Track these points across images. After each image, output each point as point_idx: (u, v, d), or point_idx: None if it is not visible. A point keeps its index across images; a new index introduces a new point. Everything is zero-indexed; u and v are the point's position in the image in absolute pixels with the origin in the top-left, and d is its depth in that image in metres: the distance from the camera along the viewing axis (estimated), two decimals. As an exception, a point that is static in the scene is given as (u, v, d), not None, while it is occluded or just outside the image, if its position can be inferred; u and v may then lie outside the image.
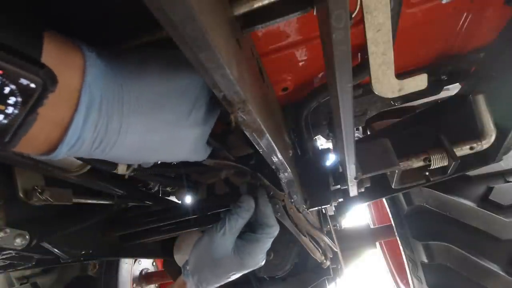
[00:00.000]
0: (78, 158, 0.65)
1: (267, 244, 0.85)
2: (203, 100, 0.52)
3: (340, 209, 1.46)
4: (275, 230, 0.86)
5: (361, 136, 1.84)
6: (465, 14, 0.75)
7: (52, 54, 0.33)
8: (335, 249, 1.01)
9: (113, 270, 1.84)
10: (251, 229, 0.87)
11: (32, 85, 0.30)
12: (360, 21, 0.45)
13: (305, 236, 0.96)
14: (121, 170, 0.73)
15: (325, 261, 1.01)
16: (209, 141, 0.62)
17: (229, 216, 0.83)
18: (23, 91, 0.29)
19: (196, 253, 0.84)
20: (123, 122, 0.40)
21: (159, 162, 0.76)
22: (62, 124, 0.35)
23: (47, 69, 0.31)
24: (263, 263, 0.86)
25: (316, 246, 1.00)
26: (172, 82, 0.46)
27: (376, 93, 0.48)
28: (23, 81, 0.29)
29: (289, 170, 0.63)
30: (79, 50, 0.36)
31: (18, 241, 0.69)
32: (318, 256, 0.99)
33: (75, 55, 0.36)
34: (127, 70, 0.41)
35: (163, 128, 0.46)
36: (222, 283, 0.84)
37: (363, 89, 0.91)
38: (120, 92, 0.39)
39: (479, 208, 1.32)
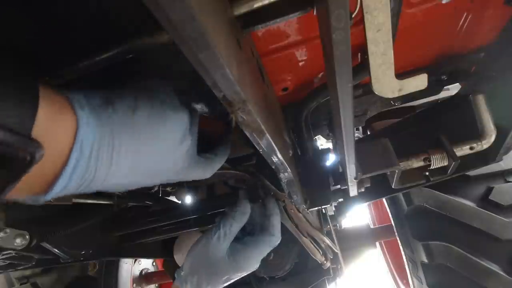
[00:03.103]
0: None
1: (265, 251, 0.84)
2: (190, 135, 0.54)
3: (340, 209, 1.46)
4: (276, 240, 0.85)
5: (361, 136, 1.84)
6: (465, 14, 0.75)
7: (46, 117, 0.34)
8: (335, 250, 1.01)
9: (113, 270, 1.84)
10: (251, 233, 0.87)
11: (21, 156, 0.31)
12: (360, 21, 0.45)
13: (305, 237, 0.96)
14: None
15: (325, 262, 1.01)
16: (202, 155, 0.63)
17: (224, 221, 0.82)
18: (11, 161, 0.31)
19: (191, 257, 0.84)
20: (111, 168, 0.42)
21: None
22: (49, 179, 0.37)
23: (36, 143, 0.32)
24: (257, 266, 0.85)
25: (317, 247, 1.00)
26: (160, 124, 0.48)
27: (376, 93, 0.48)
28: (12, 153, 0.31)
29: (289, 170, 0.63)
30: (71, 109, 0.38)
31: (18, 241, 0.69)
32: (319, 257, 0.99)
33: (67, 115, 0.37)
34: (117, 118, 0.43)
35: (151, 165, 0.49)
36: (219, 287, 0.84)
37: (363, 89, 0.91)
38: (110, 141, 0.41)
39: (479, 208, 1.32)
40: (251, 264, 0.83)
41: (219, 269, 0.80)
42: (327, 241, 1.00)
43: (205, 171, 0.62)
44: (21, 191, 0.36)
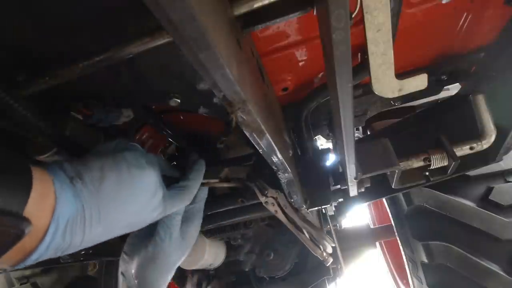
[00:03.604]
0: None
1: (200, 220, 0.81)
2: (160, 186, 0.58)
3: (340, 209, 1.46)
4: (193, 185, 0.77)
5: (361, 136, 1.84)
6: (465, 14, 0.75)
7: (35, 198, 0.39)
8: (332, 244, 1.01)
9: (113, 270, 1.84)
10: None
11: (14, 231, 0.36)
12: (360, 21, 0.45)
13: (304, 233, 0.96)
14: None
15: (327, 257, 1.01)
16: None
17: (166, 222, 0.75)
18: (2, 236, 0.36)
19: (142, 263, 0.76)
20: (84, 236, 0.46)
21: None
22: (26, 251, 0.41)
23: (27, 221, 0.37)
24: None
25: (316, 243, 0.99)
26: (130, 187, 0.52)
27: (376, 93, 0.48)
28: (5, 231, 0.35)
29: (289, 170, 0.63)
30: (52, 189, 0.42)
31: (18, 241, 0.69)
32: (319, 253, 0.99)
33: (49, 196, 0.42)
34: (86, 192, 0.46)
35: (128, 221, 0.53)
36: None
37: (363, 89, 0.91)
38: (81, 214, 0.45)
39: (479, 208, 1.32)
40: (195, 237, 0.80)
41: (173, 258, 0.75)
42: (325, 236, 0.99)
43: (183, 200, 0.66)
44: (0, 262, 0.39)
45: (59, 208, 0.42)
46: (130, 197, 0.53)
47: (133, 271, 0.72)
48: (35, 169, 0.41)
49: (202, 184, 0.78)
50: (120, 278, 0.80)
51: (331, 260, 1.01)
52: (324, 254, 0.99)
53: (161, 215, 0.62)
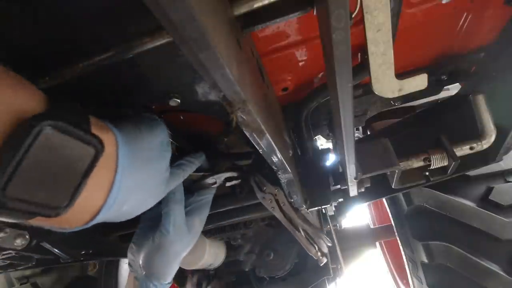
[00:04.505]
0: None
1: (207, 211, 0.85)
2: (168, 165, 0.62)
3: (340, 209, 1.46)
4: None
5: (361, 136, 1.84)
6: (465, 14, 0.75)
7: (94, 129, 0.40)
8: (328, 244, 1.01)
9: (113, 270, 1.84)
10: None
11: (92, 150, 0.37)
12: (360, 21, 0.45)
13: (300, 231, 0.96)
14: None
15: (321, 257, 1.01)
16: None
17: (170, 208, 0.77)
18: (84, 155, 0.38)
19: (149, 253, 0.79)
20: (133, 183, 0.48)
21: None
22: (104, 187, 0.43)
23: (99, 138, 0.38)
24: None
25: (312, 242, 0.99)
26: (156, 140, 0.56)
27: (376, 93, 0.48)
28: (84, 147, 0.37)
29: (289, 170, 0.63)
30: (108, 126, 0.45)
31: (18, 241, 0.69)
32: (314, 252, 0.99)
33: (108, 130, 0.45)
34: (134, 135, 0.50)
35: (149, 183, 0.55)
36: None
37: (363, 89, 0.91)
38: (132, 153, 0.47)
39: (479, 208, 1.32)
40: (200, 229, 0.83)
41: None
42: (322, 236, 0.99)
43: (179, 179, 0.70)
44: (78, 209, 0.40)
45: (119, 141, 0.44)
46: (154, 155, 0.55)
47: (140, 261, 0.75)
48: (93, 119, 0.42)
49: (203, 176, 0.80)
50: (129, 268, 0.82)
51: (325, 260, 1.01)
52: (319, 253, 0.99)
53: (165, 192, 0.65)
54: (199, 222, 0.81)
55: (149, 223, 0.80)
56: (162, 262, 0.74)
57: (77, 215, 0.42)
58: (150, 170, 0.54)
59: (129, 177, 0.46)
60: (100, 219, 0.45)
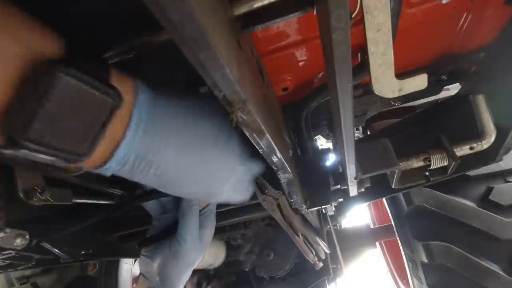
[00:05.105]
0: None
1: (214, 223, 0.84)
2: (228, 135, 0.57)
3: (340, 209, 1.46)
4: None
5: (361, 136, 1.84)
6: (465, 14, 0.75)
7: (114, 81, 0.39)
8: (326, 251, 1.01)
9: (113, 270, 1.84)
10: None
11: (110, 101, 0.37)
12: (360, 21, 0.45)
13: (299, 236, 0.96)
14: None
15: (317, 262, 1.02)
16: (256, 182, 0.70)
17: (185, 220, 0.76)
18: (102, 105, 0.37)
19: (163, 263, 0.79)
20: (161, 143, 0.45)
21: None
22: (115, 139, 0.41)
23: (117, 90, 0.38)
24: None
25: (310, 247, 1.00)
26: (197, 105, 0.53)
27: (376, 93, 0.48)
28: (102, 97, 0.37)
29: (289, 170, 0.63)
30: (130, 79, 0.43)
31: (18, 241, 0.69)
32: (311, 257, 0.99)
33: (128, 82, 0.43)
34: (165, 94, 0.47)
35: (193, 151, 0.51)
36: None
37: (363, 89, 0.91)
38: (159, 114, 0.45)
39: (479, 208, 1.32)
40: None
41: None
42: (320, 242, 1.00)
43: None
44: (94, 155, 0.39)
45: (139, 94, 0.42)
46: (196, 119, 0.52)
47: (155, 269, 0.76)
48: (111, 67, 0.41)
49: None
50: (141, 278, 0.83)
51: (321, 265, 1.02)
52: (316, 259, 0.99)
53: (233, 179, 0.62)
54: (209, 232, 0.83)
55: (161, 233, 0.81)
56: (177, 270, 0.75)
57: (90, 161, 0.40)
58: (198, 138, 0.51)
59: (152, 135, 0.44)
60: (111, 170, 0.43)
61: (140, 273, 0.81)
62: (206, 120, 0.53)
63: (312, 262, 0.99)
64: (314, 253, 0.99)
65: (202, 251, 0.80)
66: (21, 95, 0.31)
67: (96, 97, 0.35)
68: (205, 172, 0.55)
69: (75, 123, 0.35)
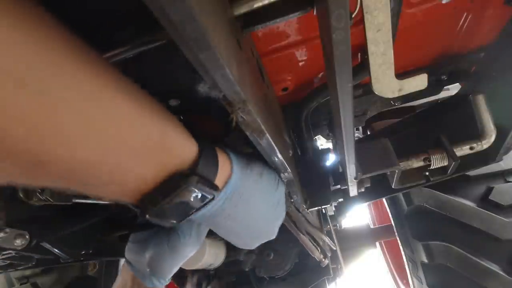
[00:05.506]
0: None
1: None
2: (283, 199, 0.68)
3: (340, 209, 1.46)
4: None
5: (361, 136, 1.84)
6: (465, 14, 0.75)
7: (219, 161, 0.48)
8: (333, 248, 1.01)
9: (113, 270, 1.84)
10: None
11: (209, 197, 0.46)
12: (360, 21, 0.45)
13: (304, 235, 0.96)
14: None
15: (323, 260, 1.01)
16: None
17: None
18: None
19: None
20: (235, 209, 0.54)
21: None
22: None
23: (218, 190, 0.47)
24: None
25: (315, 245, 1.00)
26: (268, 177, 0.61)
27: (376, 93, 0.48)
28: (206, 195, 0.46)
29: (289, 170, 0.63)
30: (225, 153, 0.53)
31: (18, 241, 0.69)
32: (317, 255, 0.99)
33: (226, 158, 0.52)
34: (251, 177, 0.56)
35: (262, 201, 0.60)
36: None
37: (363, 89, 0.91)
38: (242, 191, 0.53)
39: (479, 208, 1.32)
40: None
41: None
42: (325, 238, 1.00)
43: None
44: None
45: (233, 177, 0.51)
46: (267, 190, 0.61)
47: (147, 259, 0.77)
48: (218, 149, 0.50)
49: None
50: (125, 265, 0.83)
51: (327, 262, 1.02)
52: (321, 256, 0.99)
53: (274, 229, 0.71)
54: (204, 229, 0.84)
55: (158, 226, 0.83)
56: (172, 263, 0.77)
57: None
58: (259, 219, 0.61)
59: (236, 194, 0.53)
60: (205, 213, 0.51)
61: (126, 260, 0.81)
62: (271, 170, 0.62)
63: (318, 260, 0.99)
64: (319, 251, 0.99)
65: (197, 246, 0.82)
66: (160, 187, 0.40)
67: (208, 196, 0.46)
68: (268, 216, 0.64)
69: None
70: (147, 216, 0.42)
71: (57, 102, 0.27)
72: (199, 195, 0.44)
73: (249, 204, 0.57)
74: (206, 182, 0.44)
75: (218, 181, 0.48)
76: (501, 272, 1.22)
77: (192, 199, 0.44)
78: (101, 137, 0.31)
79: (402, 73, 0.87)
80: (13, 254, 0.75)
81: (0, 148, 0.25)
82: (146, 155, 0.37)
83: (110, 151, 0.33)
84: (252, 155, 0.62)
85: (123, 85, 0.34)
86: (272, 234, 0.70)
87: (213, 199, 0.47)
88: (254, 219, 0.60)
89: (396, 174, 0.76)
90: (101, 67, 0.33)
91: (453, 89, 1.12)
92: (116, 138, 0.33)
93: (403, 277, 2.26)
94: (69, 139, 0.28)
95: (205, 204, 0.47)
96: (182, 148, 0.43)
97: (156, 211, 0.41)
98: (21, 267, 0.89)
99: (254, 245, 0.69)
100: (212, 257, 1.27)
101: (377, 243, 2.28)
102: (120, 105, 0.33)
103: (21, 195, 0.68)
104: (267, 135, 0.45)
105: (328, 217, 1.41)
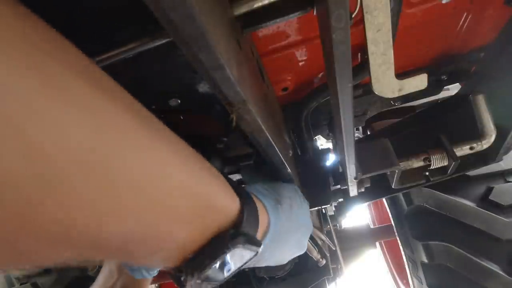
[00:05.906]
0: None
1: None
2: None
3: (340, 209, 1.46)
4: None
5: (361, 136, 1.84)
6: (465, 14, 0.75)
7: (259, 213, 0.47)
8: (332, 248, 1.01)
9: (113, 270, 1.84)
10: None
11: (254, 253, 0.44)
12: (360, 21, 0.45)
13: None
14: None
15: (321, 259, 1.01)
16: None
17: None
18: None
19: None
20: (277, 247, 0.53)
21: None
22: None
23: (261, 245, 0.45)
24: None
25: (313, 245, 1.00)
26: (296, 204, 0.60)
27: (376, 93, 0.48)
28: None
29: (289, 170, 0.63)
30: (265, 213, 0.50)
31: (18, 241, 0.69)
32: (315, 254, 0.99)
33: (264, 214, 0.50)
34: (283, 214, 0.54)
35: (293, 245, 0.60)
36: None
37: (363, 89, 0.91)
38: (277, 230, 0.52)
39: (479, 208, 1.32)
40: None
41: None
42: (324, 237, 0.99)
43: None
44: None
45: (271, 227, 0.49)
46: (303, 221, 0.62)
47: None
48: (254, 197, 0.49)
49: None
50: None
51: (324, 262, 1.02)
52: (319, 256, 0.99)
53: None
54: None
55: None
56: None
57: None
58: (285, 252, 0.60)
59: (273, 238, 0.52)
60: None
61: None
62: (294, 193, 0.62)
63: (315, 259, 0.99)
64: (317, 250, 0.99)
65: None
66: (206, 250, 0.38)
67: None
68: (301, 238, 0.64)
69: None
70: (191, 283, 0.39)
71: (120, 183, 0.24)
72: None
73: (286, 242, 0.56)
74: (251, 240, 0.41)
75: (259, 234, 0.46)
76: (501, 272, 1.22)
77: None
78: (155, 208, 0.28)
79: (402, 73, 0.87)
80: (13, 254, 0.75)
81: (65, 238, 0.22)
82: (195, 218, 0.34)
83: (162, 221, 0.30)
84: (271, 179, 0.62)
85: (174, 144, 0.32)
86: (303, 248, 0.68)
87: (256, 255, 0.44)
88: (289, 249, 0.60)
89: (396, 174, 0.76)
90: (161, 135, 0.30)
91: (453, 89, 1.12)
92: (168, 206, 0.30)
93: (403, 277, 2.26)
94: (126, 215, 0.26)
95: (247, 262, 0.44)
96: (226, 203, 0.40)
97: (200, 275, 0.38)
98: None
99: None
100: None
101: (377, 243, 2.28)
102: (171, 175, 0.29)
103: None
104: (267, 135, 0.45)
105: (328, 217, 1.40)
